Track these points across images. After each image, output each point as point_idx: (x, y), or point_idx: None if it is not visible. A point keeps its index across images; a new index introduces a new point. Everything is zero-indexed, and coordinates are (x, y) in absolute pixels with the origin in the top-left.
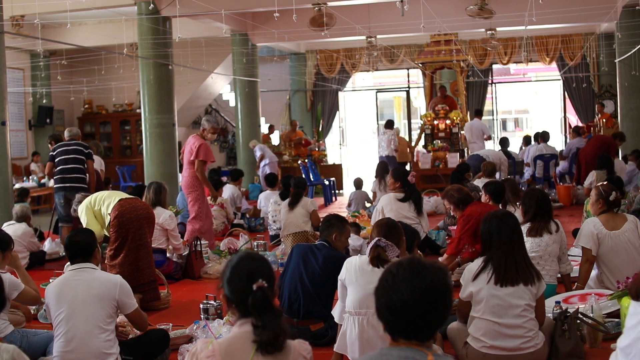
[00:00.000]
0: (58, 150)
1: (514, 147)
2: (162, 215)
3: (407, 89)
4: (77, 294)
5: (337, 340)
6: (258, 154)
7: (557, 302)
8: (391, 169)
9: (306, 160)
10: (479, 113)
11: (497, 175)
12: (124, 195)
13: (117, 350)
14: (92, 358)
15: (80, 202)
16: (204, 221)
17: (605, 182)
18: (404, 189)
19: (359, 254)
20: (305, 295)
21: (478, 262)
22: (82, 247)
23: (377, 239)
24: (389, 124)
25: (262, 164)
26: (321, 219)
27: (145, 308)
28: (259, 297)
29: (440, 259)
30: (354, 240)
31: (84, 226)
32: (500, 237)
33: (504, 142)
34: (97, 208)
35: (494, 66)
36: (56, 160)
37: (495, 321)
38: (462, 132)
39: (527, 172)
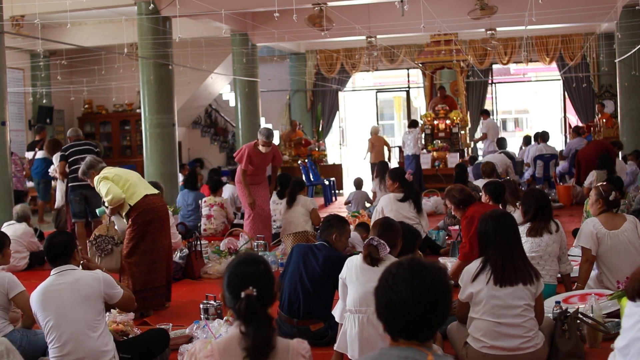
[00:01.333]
0: (71, 150)
1: (514, 147)
2: None
3: (407, 89)
4: (63, 299)
5: (338, 339)
6: None
7: (557, 302)
8: (391, 170)
9: (306, 160)
10: (488, 112)
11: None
12: (149, 188)
13: (113, 346)
14: (90, 357)
15: (92, 166)
16: (254, 215)
17: (605, 182)
18: (402, 189)
19: (354, 248)
20: (305, 295)
21: (476, 264)
22: (61, 248)
23: (370, 237)
24: (414, 124)
25: None
26: (321, 219)
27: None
28: (243, 306)
29: (447, 262)
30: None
31: (104, 193)
32: (496, 237)
33: (501, 142)
34: (120, 187)
35: (494, 66)
36: (70, 160)
37: (495, 321)
38: (461, 132)
39: (527, 172)
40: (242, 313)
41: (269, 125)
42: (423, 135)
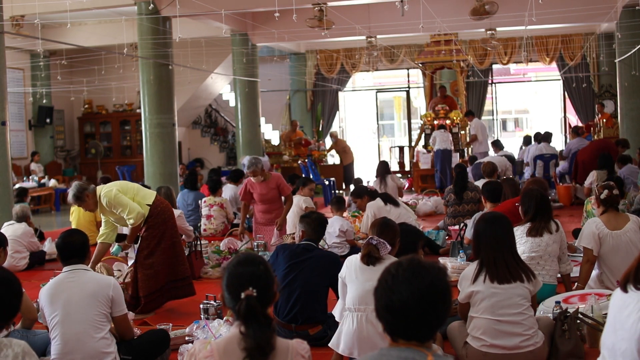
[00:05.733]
0: None
1: (514, 147)
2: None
3: (407, 89)
4: (72, 296)
5: (334, 337)
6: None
7: (557, 302)
8: (353, 190)
9: (306, 160)
10: (473, 113)
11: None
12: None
13: (115, 348)
14: (90, 358)
15: (85, 188)
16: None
17: (603, 183)
18: (374, 198)
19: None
20: (304, 301)
21: (473, 267)
22: (77, 247)
23: (370, 237)
24: (442, 127)
25: None
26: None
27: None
28: (243, 307)
29: (447, 261)
30: (345, 225)
31: (127, 212)
32: (487, 238)
33: (497, 144)
34: (131, 196)
35: (494, 66)
36: None
37: (495, 319)
38: (462, 132)
39: (527, 172)
40: (242, 314)
41: (269, 126)
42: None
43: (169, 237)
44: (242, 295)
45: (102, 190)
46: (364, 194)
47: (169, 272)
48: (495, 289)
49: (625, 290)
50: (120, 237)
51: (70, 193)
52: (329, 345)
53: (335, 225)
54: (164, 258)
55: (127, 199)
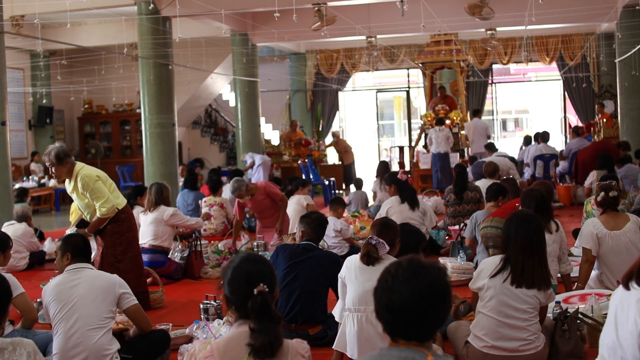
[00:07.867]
0: None
1: (515, 147)
2: (165, 212)
3: (407, 89)
4: (77, 292)
5: (337, 338)
6: (248, 161)
7: (557, 302)
8: (385, 176)
9: (306, 160)
10: (478, 112)
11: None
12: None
13: (116, 347)
14: (92, 355)
15: (67, 155)
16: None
17: (601, 183)
18: (400, 191)
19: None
20: (304, 301)
21: (496, 260)
22: (81, 247)
23: (369, 237)
24: (441, 122)
25: (255, 167)
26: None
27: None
28: (258, 302)
29: (447, 261)
30: (339, 224)
31: (102, 201)
32: (517, 238)
33: (490, 146)
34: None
35: (494, 66)
36: None
37: (500, 320)
38: (462, 132)
39: (527, 172)
40: (257, 309)
41: (269, 126)
42: (452, 134)
43: (135, 247)
44: (255, 291)
45: (82, 170)
46: (392, 183)
47: (138, 281)
48: (510, 290)
49: (627, 287)
50: (82, 223)
51: (53, 152)
52: (333, 347)
53: (329, 225)
54: (131, 267)
55: (105, 188)
